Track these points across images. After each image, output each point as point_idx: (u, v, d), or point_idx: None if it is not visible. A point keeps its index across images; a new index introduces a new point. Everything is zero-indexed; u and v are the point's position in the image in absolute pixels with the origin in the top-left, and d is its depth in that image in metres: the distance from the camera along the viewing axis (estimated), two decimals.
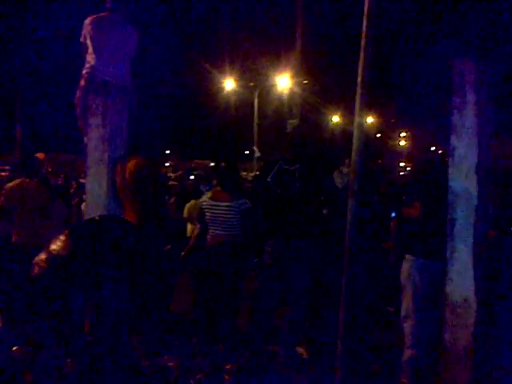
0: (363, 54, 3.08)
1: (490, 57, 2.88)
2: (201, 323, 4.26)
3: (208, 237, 4.32)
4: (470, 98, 2.90)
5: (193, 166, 26.51)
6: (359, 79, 3.07)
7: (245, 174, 18.17)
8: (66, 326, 3.54)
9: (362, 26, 3.05)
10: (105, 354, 3.26)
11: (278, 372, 3.69)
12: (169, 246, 4.86)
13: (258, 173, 10.62)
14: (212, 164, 28.84)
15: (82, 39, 3.94)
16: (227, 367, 3.46)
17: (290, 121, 11.94)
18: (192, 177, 19.93)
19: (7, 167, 18.31)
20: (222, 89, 25.79)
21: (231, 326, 4.13)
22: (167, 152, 37.40)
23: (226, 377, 3.34)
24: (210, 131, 35.84)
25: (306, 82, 15.92)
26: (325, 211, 5.01)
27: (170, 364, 3.59)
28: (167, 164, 29.29)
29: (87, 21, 3.95)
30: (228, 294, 4.13)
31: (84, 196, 6.80)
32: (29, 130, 26.42)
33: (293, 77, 17.94)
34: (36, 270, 3.10)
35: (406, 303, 3.63)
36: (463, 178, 2.91)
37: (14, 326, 3.96)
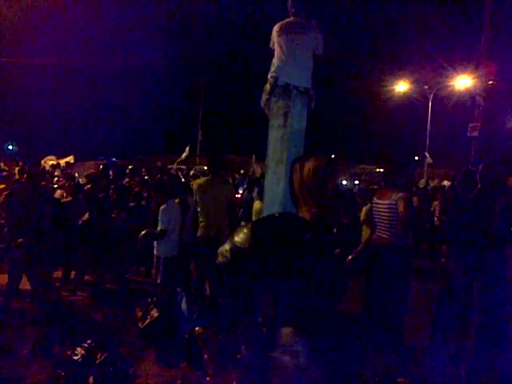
0: None
1: None
2: (368, 326, 4.12)
3: (373, 237, 4.18)
4: None
5: (357, 171, 26.16)
6: None
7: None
8: (245, 314, 3.77)
9: None
10: (277, 347, 3.39)
11: None
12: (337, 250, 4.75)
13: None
14: (380, 170, 28.10)
15: (270, 45, 4.17)
16: (399, 381, 3.28)
17: (471, 124, 10.94)
18: (357, 182, 19.70)
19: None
20: (393, 92, 24.91)
21: (397, 332, 3.91)
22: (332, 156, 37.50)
23: None
24: (376, 135, 34.97)
25: (491, 82, 14.31)
26: None
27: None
28: None
29: (275, 27, 4.17)
30: (392, 299, 3.93)
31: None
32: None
33: (475, 78, 16.43)
34: (220, 258, 3.37)
35: None
36: None
37: (198, 309, 4.34)
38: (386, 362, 3.56)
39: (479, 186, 3.73)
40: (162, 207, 5.11)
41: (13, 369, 3.92)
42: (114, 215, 6.28)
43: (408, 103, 25.75)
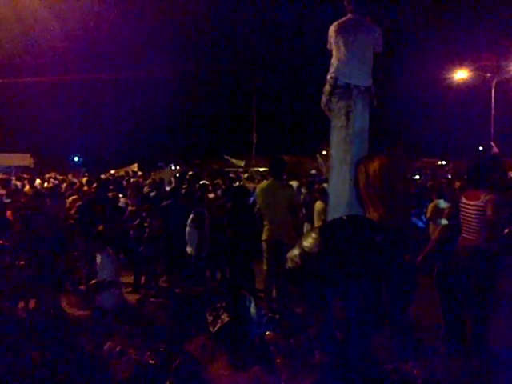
0: None
1: None
2: (447, 335, 3.95)
3: (459, 239, 3.96)
4: None
5: (418, 165, 25.29)
6: None
7: None
8: (318, 318, 3.76)
9: None
10: (351, 351, 3.36)
11: None
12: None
13: None
14: (442, 162, 27.06)
15: (328, 46, 4.13)
16: None
17: None
18: (417, 176, 19.04)
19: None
20: (453, 80, 23.92)
21: (480, 344, 3.69)
22: None
23: None
24: (437, 126, 33.68)
25: None
26: None
27: (415, 372, 3.44)
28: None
29: (332, 27, 4.11)
30: (476, 308, 3.72)
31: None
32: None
33: None
34: (290, 263, 3.37)
35: None
36: None
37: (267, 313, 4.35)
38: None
39: None
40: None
41: (92, 371, 4.10)
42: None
43: (469, 91, 24.66)
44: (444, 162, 27.43)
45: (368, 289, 3.37)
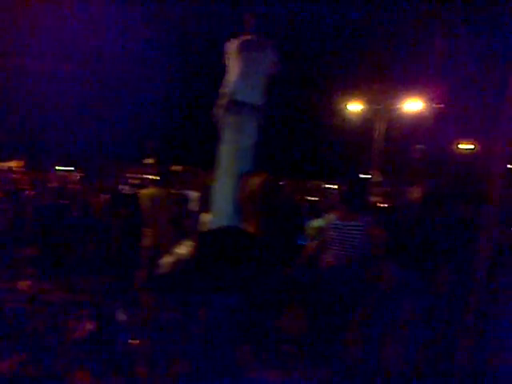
0: None
1: None
2: (308, 345, 4.16)
3: (325, 256, 4.20)
4: None
5: (308, 187, 26.52)
6: None
7: None
8: (183, 328, 3.73)
9: None
10: (212, 358, 3.37)
11: None
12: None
13: None
14: (328, 186, 28.65)
15: (225, 61, 4.21)
16: None
17: (417, 146, 11.59)
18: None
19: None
20: (343, 110, 25.58)
21: (340, 352, 3.95)
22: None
23: None
24: (324, 153, 35.45)
25: (439, 105, 15.08)
26: None
27: None
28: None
29: (229, 44, 4.21)
30: (341, 319, 3.98)
31: None
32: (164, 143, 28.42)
33: (425, 101, 17.37)
34: (161, 270, 3.33)
35: None
36: None
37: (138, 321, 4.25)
38: None
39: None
40: None
41: None
42: None
43: (362, 121, 26.30)
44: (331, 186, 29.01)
45: (237, 300, 3.42)
